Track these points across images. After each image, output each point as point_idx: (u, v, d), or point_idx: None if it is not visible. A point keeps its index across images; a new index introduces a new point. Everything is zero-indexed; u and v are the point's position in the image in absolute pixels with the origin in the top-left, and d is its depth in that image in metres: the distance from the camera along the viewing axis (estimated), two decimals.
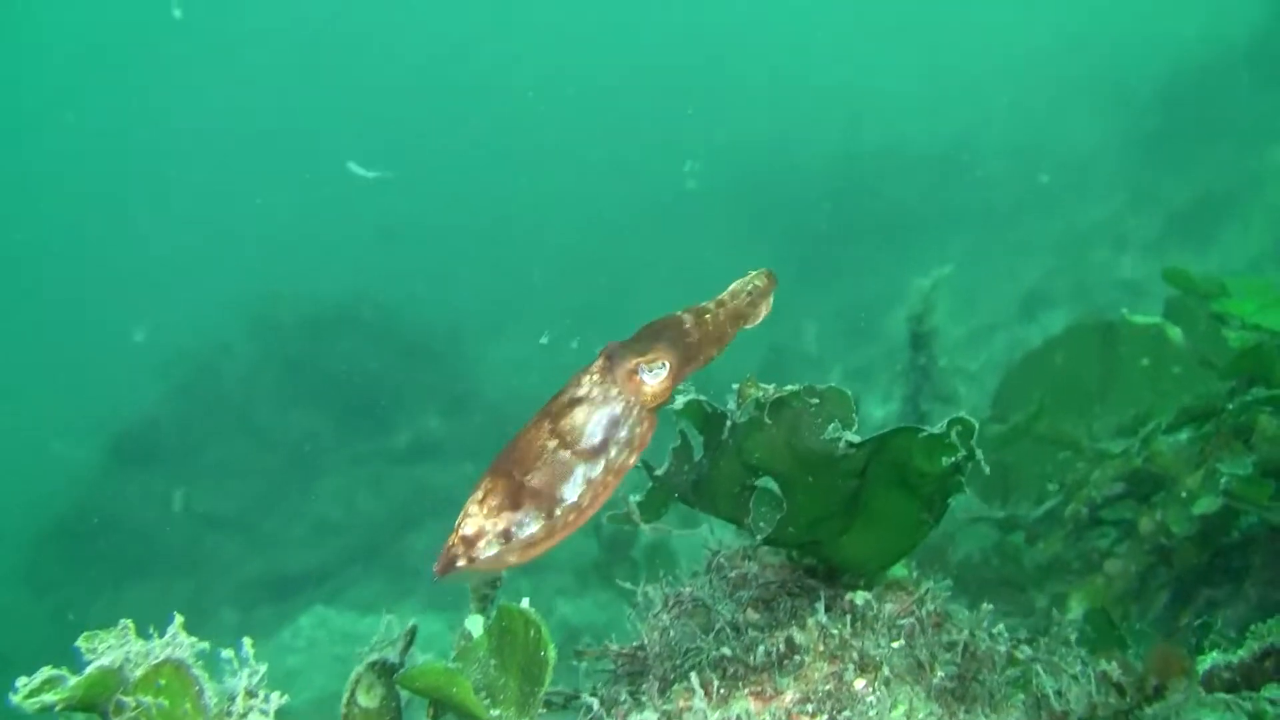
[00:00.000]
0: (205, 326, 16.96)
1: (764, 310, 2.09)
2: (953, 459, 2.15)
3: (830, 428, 2.22)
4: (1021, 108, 25.11)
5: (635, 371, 1.92)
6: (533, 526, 1.90)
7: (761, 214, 23.09)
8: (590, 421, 1.93)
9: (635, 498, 2.62)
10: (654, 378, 1.92)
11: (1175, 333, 3.65)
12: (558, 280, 23.11)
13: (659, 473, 2.49)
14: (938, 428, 2.20)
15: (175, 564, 13.42)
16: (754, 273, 2.10)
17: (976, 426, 2.17)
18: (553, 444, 1.92)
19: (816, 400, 2.22)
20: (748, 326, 2.07)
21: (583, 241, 25.52)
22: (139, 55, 45.45)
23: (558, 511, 1.91)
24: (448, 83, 40.55)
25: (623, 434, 1.94)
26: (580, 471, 1.91)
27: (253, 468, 14.72)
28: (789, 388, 2.25)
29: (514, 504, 1.90)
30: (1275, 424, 2.99)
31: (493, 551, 1.91)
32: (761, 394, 2.26)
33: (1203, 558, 3.35)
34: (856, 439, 2.19)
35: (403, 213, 27.38)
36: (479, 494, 1.94)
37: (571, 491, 1.91)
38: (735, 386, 2.35)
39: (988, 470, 2.21)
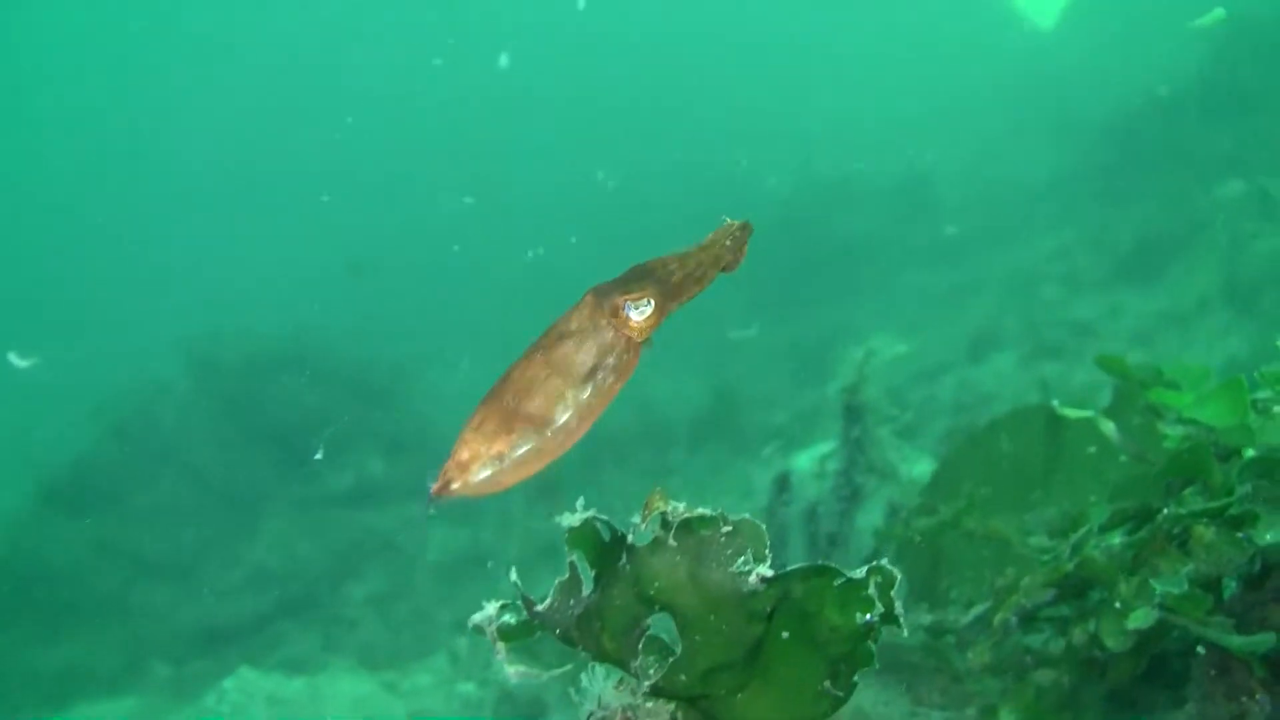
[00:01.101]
0: (143, 365, 16.59)
1: (739, 258, 2.21)
2: (868, 616, 1.94)
3: (740, 560, 2.06)
4: (974, 140, 25.14)
5: (621, 308, 2.04)
6: (524, 447, 2.02)
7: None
8: (581, 351, 2.05)
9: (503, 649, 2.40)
10: (639, 314, 2.05)
11: (1109, 427, 3.44)
12: (506, 314, 22.89)
13: (539, 608, 2.32)
14: (856, 573, 1.99)
15: (107, 612, 13.05)
16: (731, 222, 2.21)
17: (898, 579, 1.97)
18: (544, 373, 2.04)
19: (729, 528, 2.07)
20: (726, 272, 2.20)
21: (530, 273, 25.30)
22: (83, 85, 44.98)
23: (548, 433, 2.02)
24: (388, 116, 40.34)
25: (610, 361, 2.07)
26: (571, 395, 2.03)
27: (189, 512, 14.35)
28: (700, 511, 2.13)
29: (508, 429, 2.01)
30: (1212, 533, 2.78)
31: (487, 473, 2.02)
32: (670, 510, 2.16)
33: (1138, 668, 3.14)
34: (769, 573, 2.04)
35: (349, 248, 27.10)
36: (475, 421, 2.04)
37: (562, 414, 2.03)
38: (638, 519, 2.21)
39: (906, 633, 1.99)
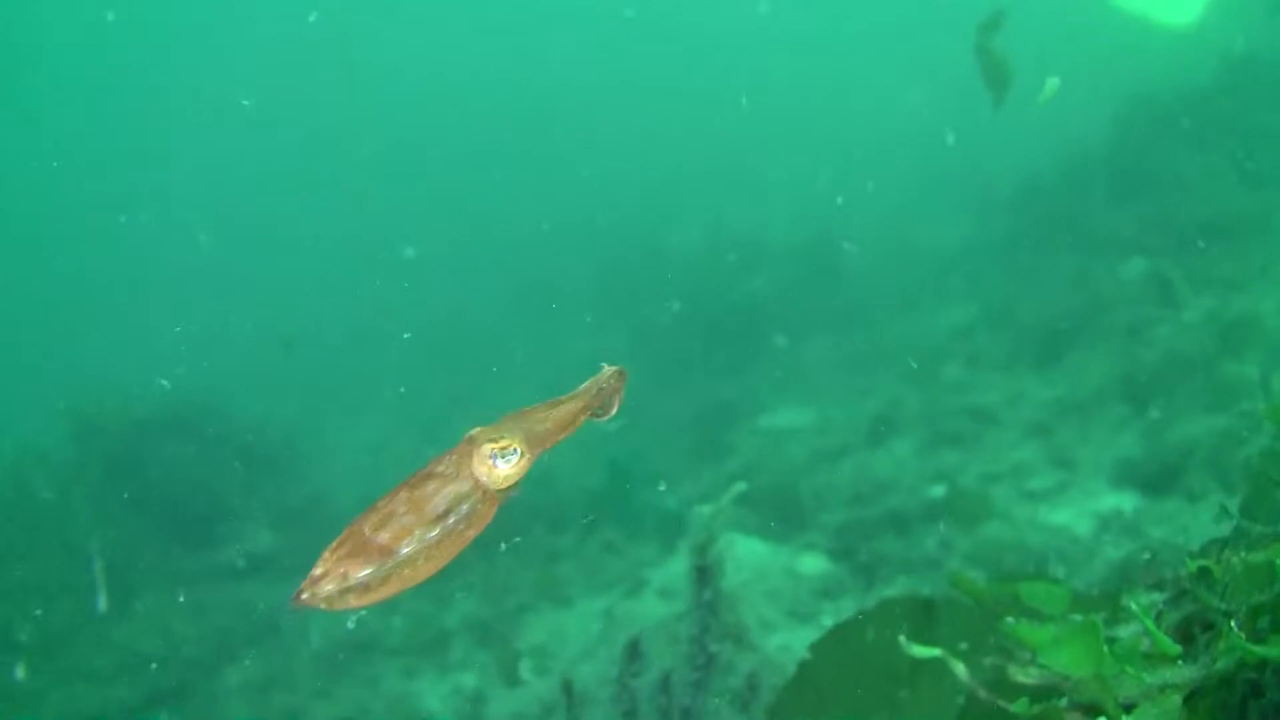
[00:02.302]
0: (17, 427, 15.94)
1: (615, 405, 2.33)
2: None
3: None
4: (883, 202, 25.10)
5: (488, 457, 2.14)
6: (370, 574, 2.10)
7: (616, 302, 22.77)
8: (438, 495, 2.14)
9: None
10: (506, 463, 2.15)
11: (959, 669, 3.12)
12: (406, 375, 22.51)
13: None
14: None
15: None
16: (607, 370, 2.32)
17: None
18: (403, 509, 2.14)
19: None
20: (599, 420, 2.32)
21: (427, 329, 24.97)
22: None
23: (390, 563, 2.11)
24: (288, 171, 39.90)
25: (464, 508, 2.16)
26: (419, 534, 2.12)
27: (61, 587, 13.74)
28: None
29: (359, 554, 2.11)
30: None
31: (332, 588, 2.10)
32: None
33: None
34: None
35: (241, 309, 26.60)
36: (336, 542, 2.14)
37: (407, 549, 2.11)
38: None
39: None
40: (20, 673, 12.51)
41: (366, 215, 32.02)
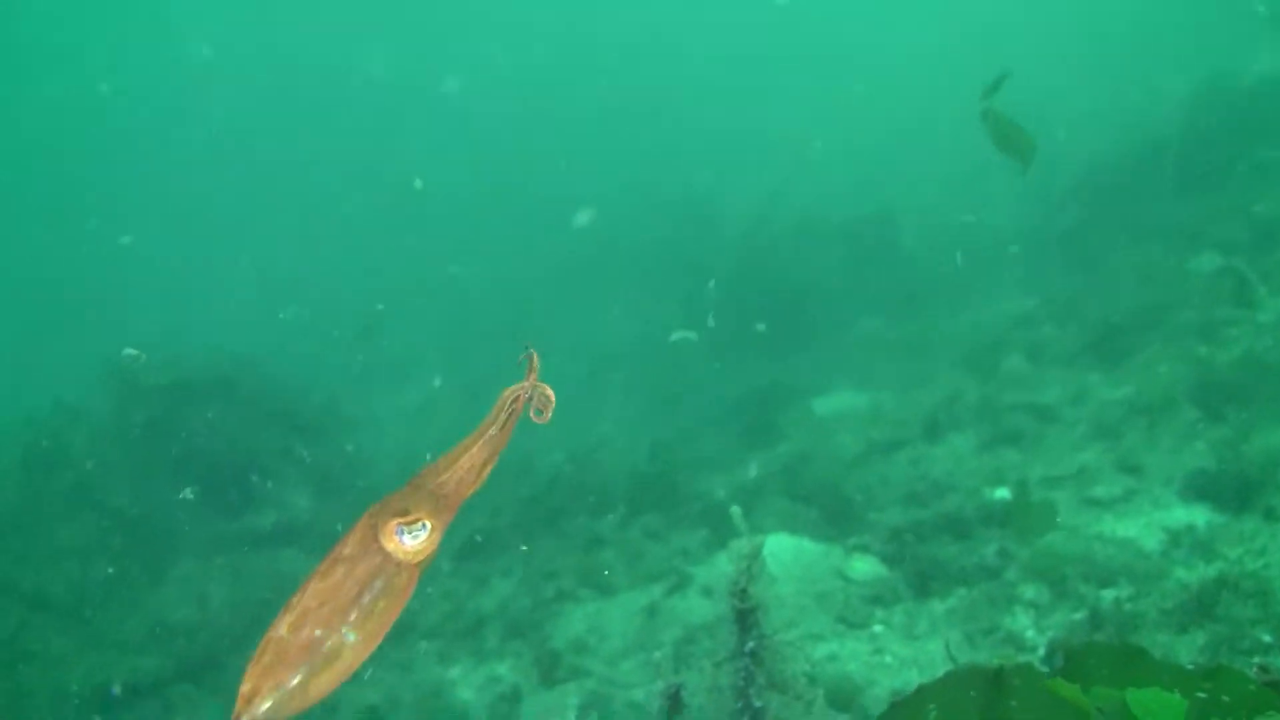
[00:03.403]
0: (57, 389, 15.75)
1: (548, 410, 2.16)
2: None
3: None
4: (944, 185, 24.60)
5: (393, 533, 2.01)
6: (298, 678, 1.97)
7: (669, 275, 22.43)
8: (348, 579, 2.02)
9: None
10: (414, 539, 2.01)
11: None
12: (453, 342, 22.31)
13: None
14: None
15: None
16: (507, 394, 2.14)
17: None
18: (316, 602, 2.02)
19: None
20: (538, 420, 2.15)
21: (479, 298, 24.73)
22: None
23: (317, 660, 1.98)
24: (341, 133, 39.73)
25: (379, 584, 2.02)
26: (336, 623, 1.99)
27: (96, 550, 13.57)
28: None
29: (283, 660, 1.97)
30: None
31: (268, 705, 1.97)
32: None
33: None
34: None
35: (286, 272, 26.44)
36: (256, 653, 2.01)
37: (330, 642, 1.98)
38: None
39: None
40: (50, 638, 12.42)
41: (415, 184, 31.74)
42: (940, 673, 6.95)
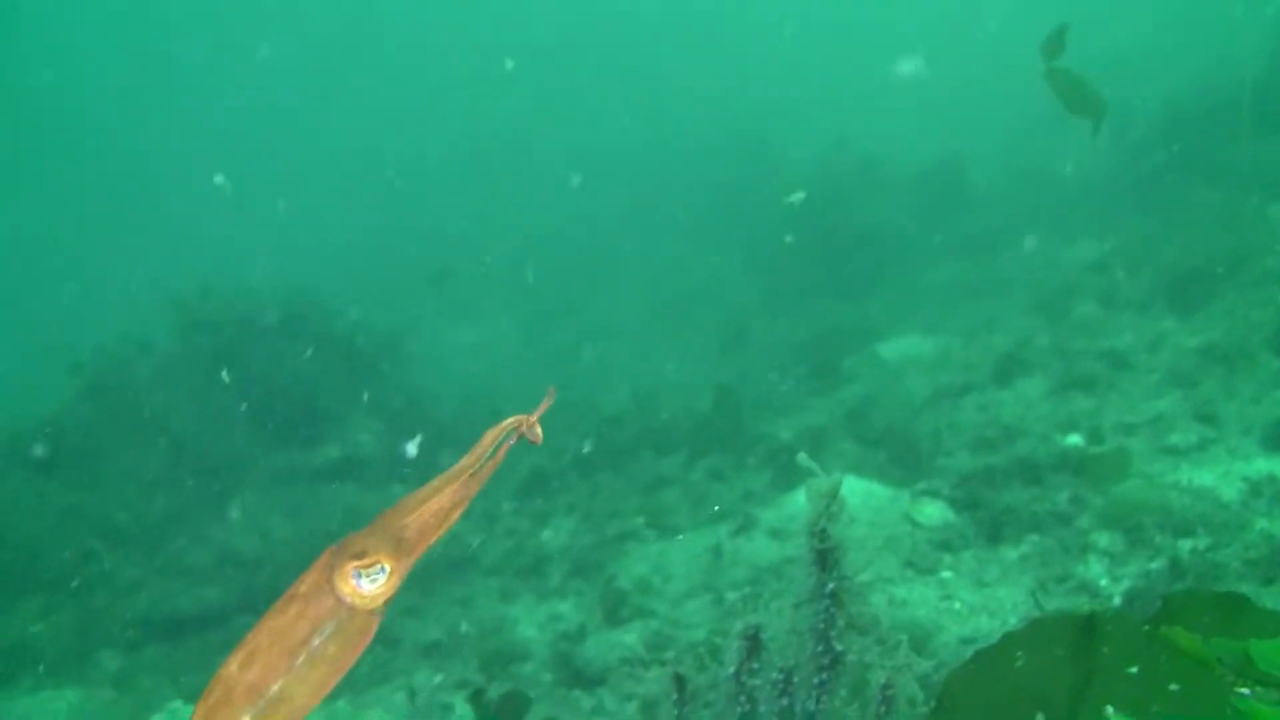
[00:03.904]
0: (125, 321, 15.86)
1: (537, 433, 2.10)
2: None
3: None
4: (1014, 128, 24.19)
5: (349, 576, 1.93)
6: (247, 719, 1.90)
7: (733, 219, 22.25)
8: (300, 620, 1.94)
9: None
10: (372, 582, 1.93)
11: None
12: (515, 283, 22.27)
13: None
14: None
15: (64, 584, 12.41)
16: (490, 434, 2.05)
17: None
18: (267, 641, 1.94)
19: None
20: (531, 442, 2.10)
21: (542, 240, 24.65)
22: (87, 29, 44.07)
23: (262, 703, 1.90)
24: (411, 72, 39.59)
25: (329, 628, 1.93)
26: (284, 666, 1.91)
27: (162, 480, 13.71)
28: None
29: (229, 700, 1.90)
30: None
31: None
32: None
33: None
34: None
35: (354, 206, 26.43)
36: (207, 691, 1.94)
37: (276, 685, 1.90)
38: None
39: None
40: (117, 566, 12.54)
41: (480, 123, 31.65)
42: (1014, 621, 6.84)
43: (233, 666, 1.92)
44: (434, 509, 2.00)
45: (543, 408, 2.11)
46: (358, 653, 1.98)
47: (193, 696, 8.76)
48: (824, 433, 11.53)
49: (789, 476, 10.35)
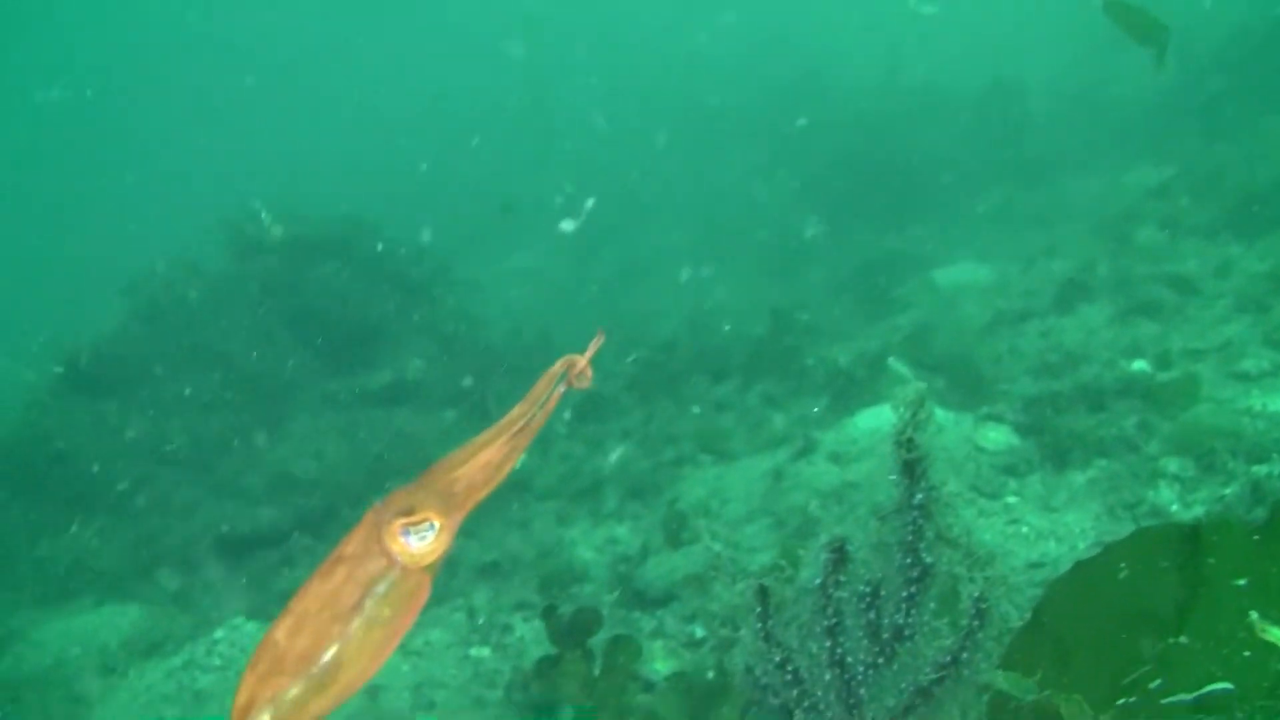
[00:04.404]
0: (177, 244, 15.83)
1: (587, 379, 2.00)
2: None
3: None
4: (1070, 53, 23.73)
5: (398, 534, 1.86)
6: (298, 689, 1.82)
7: (786, 145, 22.00)
8: (349, 582, 1.86)
9: None
10: (421, 540, 1.87)
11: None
12: (568, 204, 22.11)
13: None
14: None
15: (122, 506, 12.51)
16: (540, 384, 1.98)
17: None
18: (316, 606, 1.86)
19: None
20: (579, 389, 1.99)
21: (596, 164, 24.45)
22: None
23: (316, 672, 1.82)
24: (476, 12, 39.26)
25: (380, 589, 1.85)
26: (337, 632, 1.84)
27: (215, 402, 13.72)
28: None
29: (279, 669, 1.82)
30: None
31: (267, 717, 1.82)
32: None
33: None
34: None
35: (406, 131, 26.27)
36: (253, 661, 1.87)
37: (329, 653, 1.83)
38: None
39: None
40: (173, 487, 12.62)
41: (535, 48, 31.39)
42: (1083, 546, 6.73)
43: (279, 634, 1.87)
44: (483, 462, 1.98)
45: (591, 350, 2.05)
46: (413, 614, 1.92)
47: (253, 614, 8.82)
48: (882, 357, 11.37)
49: (847, 401, 10.24)
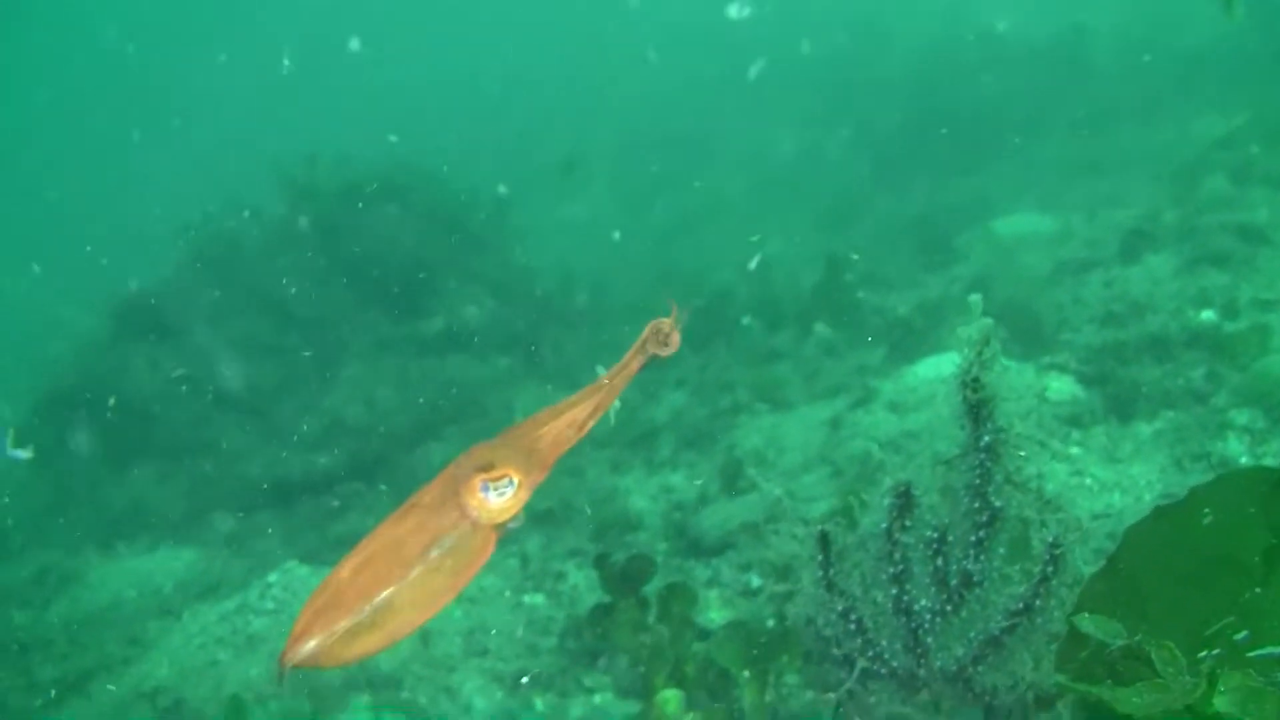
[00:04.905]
0: (232, 189, 15.80)
1: (674, 343, 2.04)
2: None
3: None
4: (1140, 2, 23.22)
5: (477, 489, 1.88)
6: (347, 623, 1.86)
7: (842, 94, 21.72)
8: (419, 531, 1.89)
9: None
10: (500, 495, 1.89)
11: None
12: (623, 154, 21.96)
13: None
14: None
15: (178, 449, 12.58)
16: (634, 349, 1.98)
17: None
18: (383, 548, 1.89)
19: None
20: (662, 355, 2.00)
21: (649, 114, 24.25)
22: None
23: (370, 610, 1.86)
24: None
25: (449, 542, 1.87)
26: (397, 575, 1.87)
27: (270, 347, 13.73)
28: None
29: (335, 603, 1.87)
30: None
31: (314, 645, 1.87)
32: None
33: None
34: None
35: (461, 78, 26.13)
36: (315, 593, 1.91)
37: (386, 592, 1.86)
38: None
39: None
40: (227, 431, 12.66)
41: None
42: (1149, 498, 6.57)
43: (344, 572, 1.91)
44: (568, 420, 1.97)
45: (674, 315, 2.07)
46: (474, 570, 1.95)
47: (306, 558, 8.82)
48: (941, 306, 11.19)
49: (906, 350, 10.08)
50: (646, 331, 2.03)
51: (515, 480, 1.90)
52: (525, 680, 6.49)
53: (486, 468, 1.90)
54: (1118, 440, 7.66)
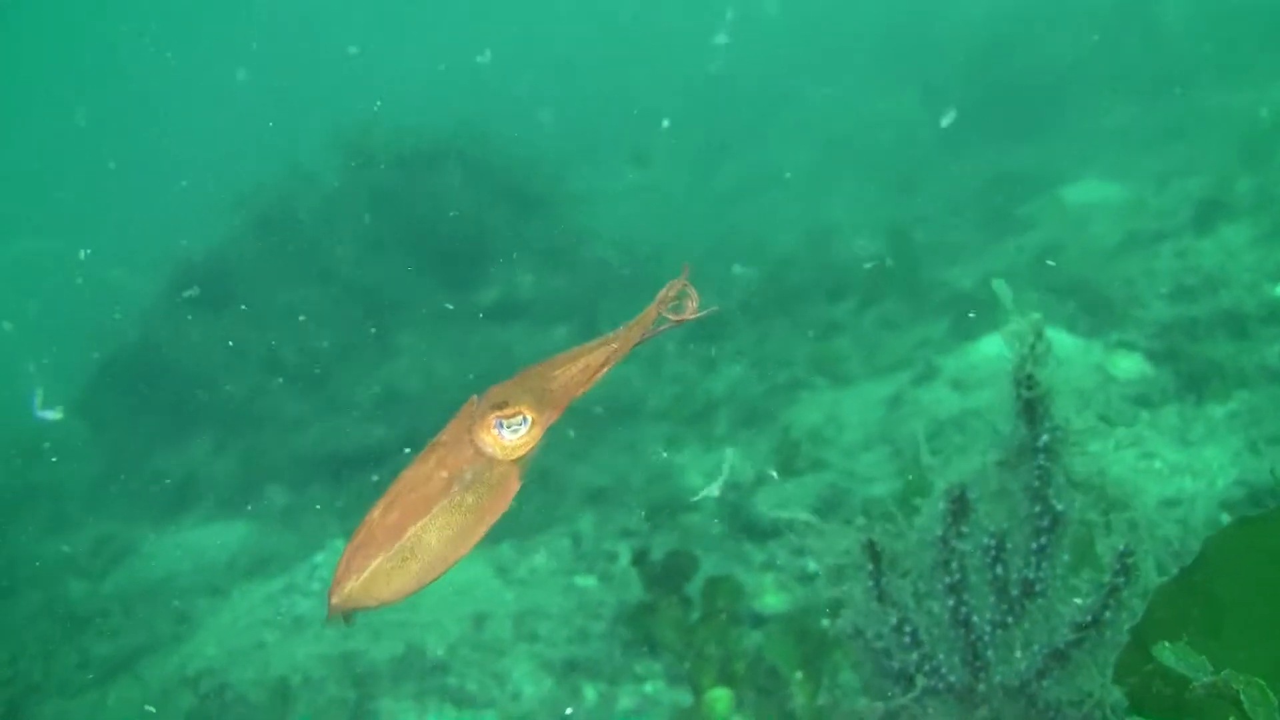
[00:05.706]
0: (288, 156, 15.72)
1: (689, 308, 2.01)
2: None
3: None
4: None
5: (491, 425, 1.93)
6: (379, 559, 1.94)
7: (908, 57, 21.36)
8: (441, 467, 1.95)
9: None
10: (513, 433, 1.93)
11: None
12: (686, 118, 21.75)
13: None
14: None
15: (234, 419, 12.56)
16: (651, 307, 2.00)
17: None
18: (410, 486, 1.97)
19: None
20: (678, 318, 2.01)
21: (711, 77, 24.00)
22: None
23: (400, 545, 1.94)
24: None
25: (468, 477, 1.95)
26: (422, 510, 1.94)
27: (327, 316, 13.65)
28: None
29: (368, 541, 1.95)
30: None
31: (353, 583, 1.95)
32: None
33: None
34: None
35: (519, 45, 25.97)
36: (353, 534, 1.99)
37: (414, 526, 1.93)
38: None
39: None
40: (284, 401, 12.63)
41: None
42: (1222, 484, 6.31)
43: (376, 511, 1.97)
44: (582, 365, 1.99)
45: (684, 275, 2.02)
46: (497, 507, 1.98)
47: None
48: (1007, 279, 10.89)
49: (969, 326, 9.82)
50: (662, 292, 1.99)
51: (529, 418, 1.93)
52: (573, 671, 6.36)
53: (500, 405, 1.93)
54: (1189, 421, 7.39)
